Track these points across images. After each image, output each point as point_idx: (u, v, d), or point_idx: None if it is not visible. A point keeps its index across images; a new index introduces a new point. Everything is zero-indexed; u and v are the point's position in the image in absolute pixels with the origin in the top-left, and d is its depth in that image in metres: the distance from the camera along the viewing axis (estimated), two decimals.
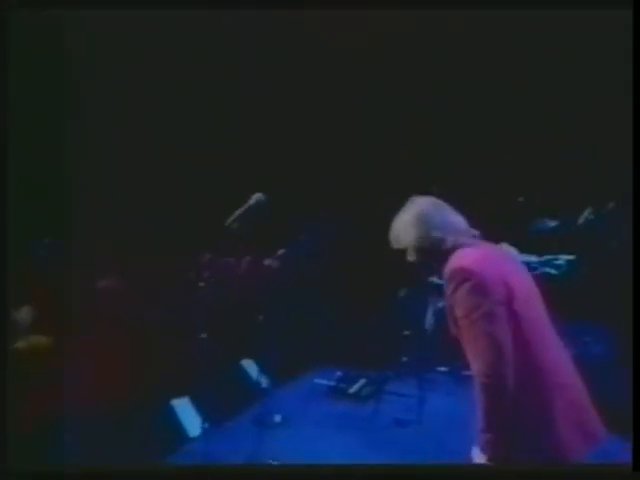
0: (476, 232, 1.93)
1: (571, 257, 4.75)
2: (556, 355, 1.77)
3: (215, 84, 7.49)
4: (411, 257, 1.91)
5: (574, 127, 5.77)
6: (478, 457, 1.70)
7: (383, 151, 6.86)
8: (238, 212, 2.56)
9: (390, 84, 6.96)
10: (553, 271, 5.82)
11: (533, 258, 6.54)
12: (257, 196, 2.64)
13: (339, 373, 4.81)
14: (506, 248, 5.85)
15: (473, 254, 1.79)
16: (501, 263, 1.81)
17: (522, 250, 5.90)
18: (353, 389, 4.55)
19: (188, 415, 4.10)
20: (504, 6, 5.07)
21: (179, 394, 4.14)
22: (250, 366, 4.84)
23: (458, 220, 1.91)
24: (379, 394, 4.39)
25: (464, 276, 1.70)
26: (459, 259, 1.78)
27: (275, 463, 3.36)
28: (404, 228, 1.89)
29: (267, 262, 8.14)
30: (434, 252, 1.84)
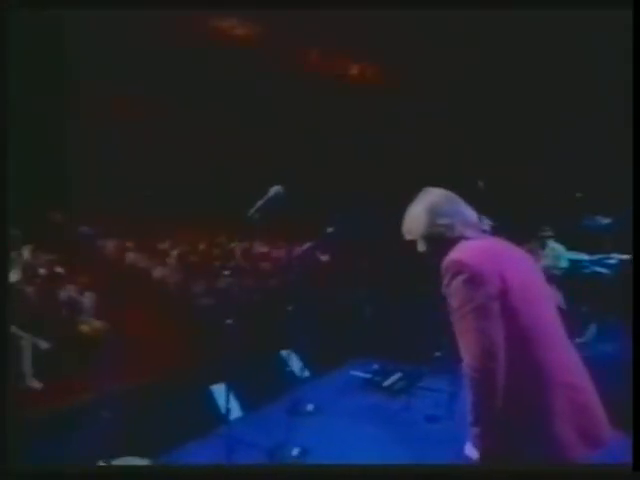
0: (486, 226, 1.90)
1: (625, 256, 4.69)
2: (559, 354, 1.70)
3: (217, 85, 7.58)
4: (421, 247, 1.91)
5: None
6: (469, 450, 1.69)
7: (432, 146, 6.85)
8: (259, 203, 2.68)
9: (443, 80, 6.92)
10: (605, 270, 5.79)
11: (584, 256, 6.49)
12: (276, 188, 2.78)
13: (376, 366, 4.89)
14: (552, 245, 5.86)
15: (472, 247, 1.77)
16: (501, 258, 1.75)
17: (572, 248, 5.87)
18: (387, 382, 4.61)
19: (225, 399, 4.18)
20: (504, 6, 5.11)
21: (220, 379, 4.23)
22: (290, 356, 4.95)
23: (469, 213, 1.88)
24: (412, 388, 4.45)
25: (458, 268, 1.68)
26: (457, 251, 1.77)
27: (293, 456, 3.43)
28: (415, 218, 1.90)
29: (300, 253, 8.29)
30: (441, 242, 1.83)
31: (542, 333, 1.69)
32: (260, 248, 10.52)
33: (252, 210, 2.67)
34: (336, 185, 11.28)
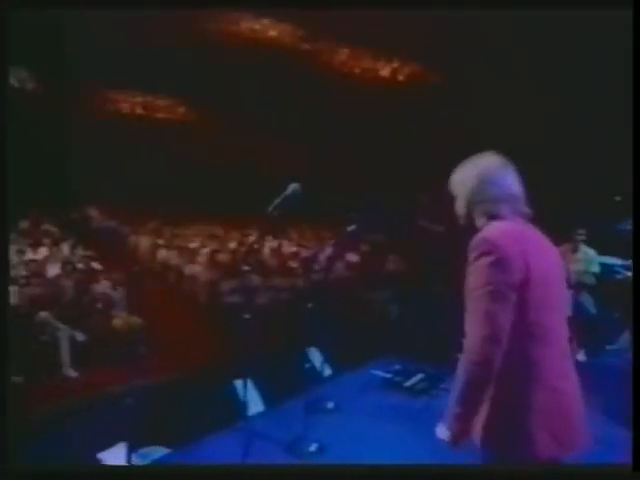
0: (527, 210, 1.83)
1: None
2: (554, 354, 1.68)
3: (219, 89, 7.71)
4: (459, 208, 1.87)
5: None
6: (441, 432, 1.69)
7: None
8: (276, 201, 2.74)
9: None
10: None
11: (617, 261, 6.30)
12: (293, 186, 2.82)
13: (397, 366, 4.90)
14: (584, 249, 5.79)
15: (505, 229, 1.72)
16: (530, 247, 1.70)
17: (605, 252, 5.72)
18: (409, 383, 4.62)
19: (247, 394, 4.28)
20: (504, 6, 5.00)
21: (244, 375, 4.34)
22: (312, 354, 5.02)
23: (516, 189, 1.81)
24: (434, 390, 4.46)
25: (488, 248, 1.64)
26: (491, 230, 1.72)
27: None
28: (463, 179, 1.84)
29: (326, 252, 8.41)
30: (480, 211, 1.80)
31: (545, 331, 1.68)
32: (287, 247, 10.65)
33: (270, 207, 2.75)
34: (357, 184, 11.32)
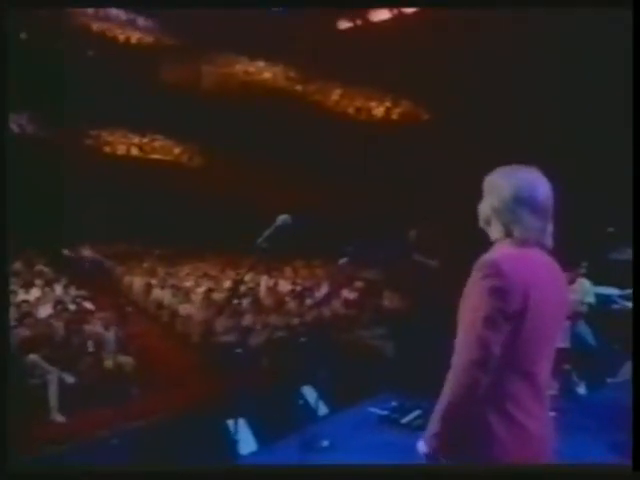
0: (549, 241, 1.74)
1: None
2: (534, 380, 1.66)
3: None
4: (482, 210, 1.78)
5: None
6: (420, 445, 1.68)
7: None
8: (266, 233, 2.74)
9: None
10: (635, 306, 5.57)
11: (614, 291, 6.25)
12: (283, 217, 2.80)
13: (394, 403, 4.79)
14: (580, 280, 5.79)
15: (513, 254, 1.67)
16: (534, 275, 1.66)
17: (602, 282, 5.69)
18: (406, 419, 4.52)
19: (241, 433, 4.18)
20: (504, 6, 5.10)
21: (238, 414, 4.24)
22: (307, 392, 4.92)
23: (545, 215, 1.72)
24: None
25: (491, 272, 1.60)
26: (498, 253, 1.68)
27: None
28: (502, 182, 1.74)
29: (321, 290, 8.37)
30: (501, 222, 1.72)
31: (527, 366, 1.66)
32: (283, 286, 10.60)
33: (260, 239, 2.73)
34: (352, 221, 11.40)
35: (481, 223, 1.81)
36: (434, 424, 1.65)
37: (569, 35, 9.08)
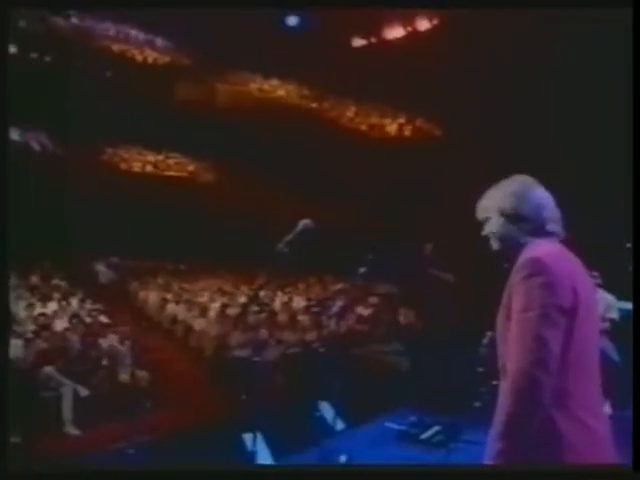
0: (562, 235, 1.73)
1: None
2: (592, 389, 1.61)
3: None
4: (490, 228, 1.75)
5: None
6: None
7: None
8: (287, 237, 2.69)
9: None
10: None
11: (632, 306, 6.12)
12: (304, 222, 2.74)
13: (413, 418, 4.70)
14: (602, 294, 5.68)
15: (551, 250, 1.63)
16: (575, 271, 1.63)
17: (622, 297, 5.61)
18: (425, 435, 4.42)
19: (257, 448, 4.10)
20: (504, 5, 5.05)
21: (254, 428, 4.18)
22: (325, 407, 4.84)
23: (553, 208, 1.73)
24: (452, 442, 4.23)
25: (538, 269, 1.55)
26: (536, 250, 1.63)
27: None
28: (500, 197, 1.74)
29: (338, 305, 8.29)
30: (517, 231, 1.69)
31: (588, 362, 1.60)
32: (297, 302, 10.55)
33: (281, 244, 2.69)
34: (362, 231, 11.36)
35: (495, 245, 1.76)
36: (496, 441, 1.52)
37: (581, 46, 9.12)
